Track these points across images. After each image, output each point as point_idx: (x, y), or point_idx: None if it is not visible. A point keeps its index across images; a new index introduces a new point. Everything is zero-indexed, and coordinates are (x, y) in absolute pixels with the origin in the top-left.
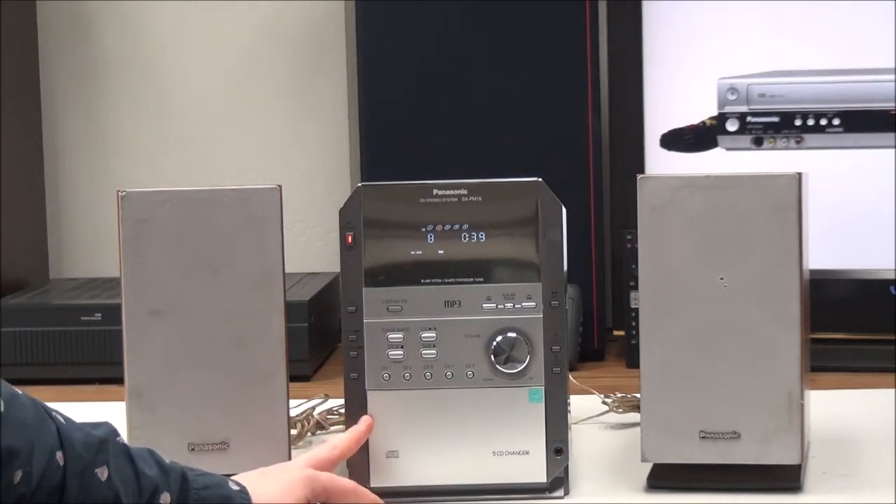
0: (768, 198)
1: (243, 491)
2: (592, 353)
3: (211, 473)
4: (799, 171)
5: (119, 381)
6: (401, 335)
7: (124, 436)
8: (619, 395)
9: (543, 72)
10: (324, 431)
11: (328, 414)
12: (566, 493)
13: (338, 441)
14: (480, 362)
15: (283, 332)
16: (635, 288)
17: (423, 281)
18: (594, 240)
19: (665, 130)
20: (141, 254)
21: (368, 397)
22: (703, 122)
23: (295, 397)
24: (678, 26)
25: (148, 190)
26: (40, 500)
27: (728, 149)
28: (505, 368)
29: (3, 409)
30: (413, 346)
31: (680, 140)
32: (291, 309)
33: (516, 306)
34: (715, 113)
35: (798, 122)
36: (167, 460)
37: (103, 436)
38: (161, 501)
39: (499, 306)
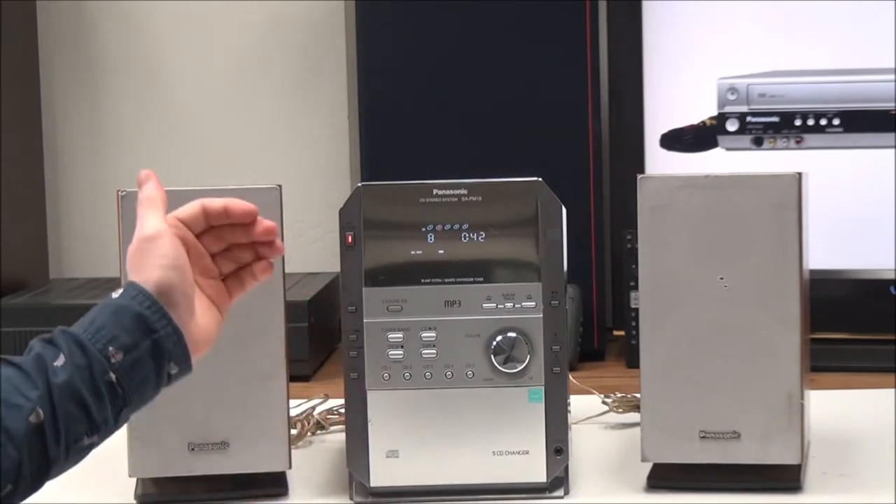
0: (768, 198)
1: (130, 288)
2: (592, 353)
3: (95, 307)
4: (799, 171)
5: None
6: (401, 335)
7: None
8: (619, 395)
9: (543, 72)
10: (324, 431)
11: (328, 414)
12: (566, 493)
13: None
14: (480, 362)
15: (283, 332)
16: (635, 288)
17: (423, 281)
18: (594, 240)
19: (665, 130)
20: None
21: (368, 397)
22: (703, 122)
23: (295, 397)
24: (678, 26)
25: None
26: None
27: (728, 149)
28: (505, 368)
29: None
30: (413, 345)
31: (680, 140)
32: (291, 309)
33: (516, 306)
34: (715, 113)
35: (798, 122)
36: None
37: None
38: (56, 364)
39: (499, 306)
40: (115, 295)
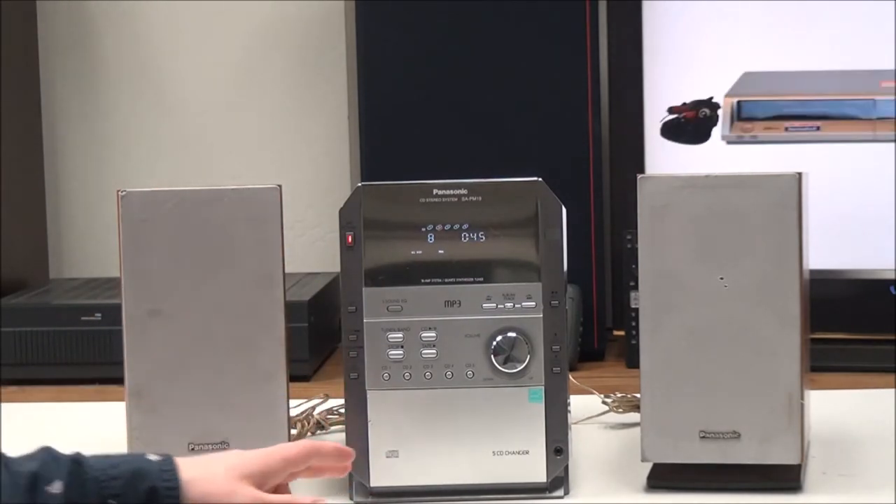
0: (768, 198)
1: (166, 462)
2: (592, 353)
3: (127, 454)
4: (799, 170)
5: (119, 381)
6: (401, 335)
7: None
8: (619, 395)
9: (543, 72)
10: (324, 431)
11: (328, 414)
12: (566, 493)
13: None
14: (480, 362)
15: (283, 332)
16: (635, 288)
17: (423, 281)
18: (594, 240)
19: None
20: (141, 254)
21: (368, 397)
22: (704, 113)
23: (295, 397)
24: (678, 26)
25: (148, 190)
26: None
27: (729, 142)
28: (505, 368)
29: None
30: (413, 345)
31: (680, 129)
32: (291, 309)
33: (516, 306)
34: (714, 104)
35: (797, 119)
36: (68, 452)
37: None
38: (49, 490)
39: (499, 306)
40: (153, 456)
